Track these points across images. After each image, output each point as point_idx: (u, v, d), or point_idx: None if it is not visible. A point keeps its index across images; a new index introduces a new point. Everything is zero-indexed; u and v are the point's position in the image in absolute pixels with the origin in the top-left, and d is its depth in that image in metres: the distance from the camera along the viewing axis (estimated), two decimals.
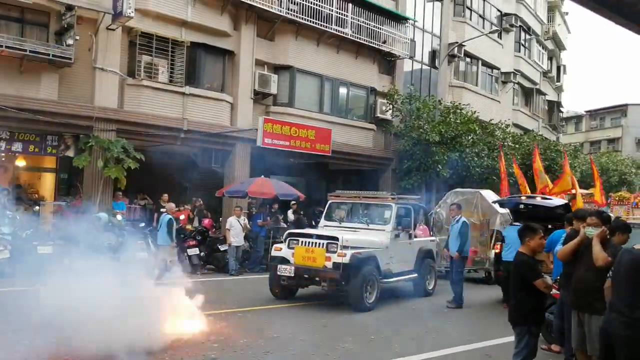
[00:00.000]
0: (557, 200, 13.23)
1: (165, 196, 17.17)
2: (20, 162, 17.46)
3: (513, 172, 20.37)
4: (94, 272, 7.71)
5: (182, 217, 17.18)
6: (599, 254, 6.05)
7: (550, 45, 41.58)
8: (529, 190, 17.49)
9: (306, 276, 11.32)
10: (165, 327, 7.87)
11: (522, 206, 12.73)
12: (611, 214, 15.84)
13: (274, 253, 12.06)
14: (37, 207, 16.22)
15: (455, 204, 13.85)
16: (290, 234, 12.15)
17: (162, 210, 16.16)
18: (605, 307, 5.75)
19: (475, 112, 25.06)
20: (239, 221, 16.04)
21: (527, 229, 6.25)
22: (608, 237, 6.31)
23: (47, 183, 18.14)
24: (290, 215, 19.45)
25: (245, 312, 10.45)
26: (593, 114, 66.00)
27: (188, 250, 15.56)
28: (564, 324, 7.35)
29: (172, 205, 15.72)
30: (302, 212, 19.95)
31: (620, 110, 62.40)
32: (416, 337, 9.27)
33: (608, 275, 5.91)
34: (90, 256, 8.31)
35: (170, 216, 14.51)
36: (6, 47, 14.56)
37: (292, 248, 11.62)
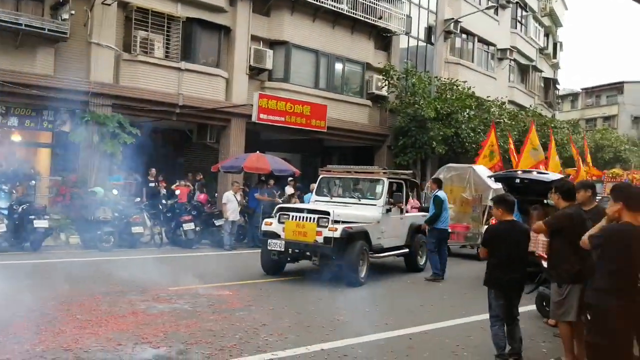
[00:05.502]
0: (553, 175, 13.15)
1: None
2: (16, 138, 17.48)
3: (508, 148, 20.54)
4: None
5: (177, 192, 17.38)
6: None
7: (546, 21, 41.43)
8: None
9: (297, 251, 11.28)
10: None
11: (517, 181, 12.58)
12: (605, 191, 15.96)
13: (264, 228, 11.91)
14: (33, 182, 16.28)
15: (433, 178, 14.13)
16: (281, 209, 12.02)
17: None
18: (567, 275, 6.09)
19: (470, 87, 25.09)
20: (235, 196, 16.18)
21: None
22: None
23: (43, 158, 18.17)
24: (288, 190, 19.51)
25: (240, 286, 10.55)
26: (589, 91, 66.01)
27: (183, 225, 15.69)
28: None
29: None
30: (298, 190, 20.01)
31: (617, 88, 62.44)
32: (413, 310, 9.34)
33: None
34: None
35: None
36: (1, 21, 14.52)
37: (283, 223, 11.52)
